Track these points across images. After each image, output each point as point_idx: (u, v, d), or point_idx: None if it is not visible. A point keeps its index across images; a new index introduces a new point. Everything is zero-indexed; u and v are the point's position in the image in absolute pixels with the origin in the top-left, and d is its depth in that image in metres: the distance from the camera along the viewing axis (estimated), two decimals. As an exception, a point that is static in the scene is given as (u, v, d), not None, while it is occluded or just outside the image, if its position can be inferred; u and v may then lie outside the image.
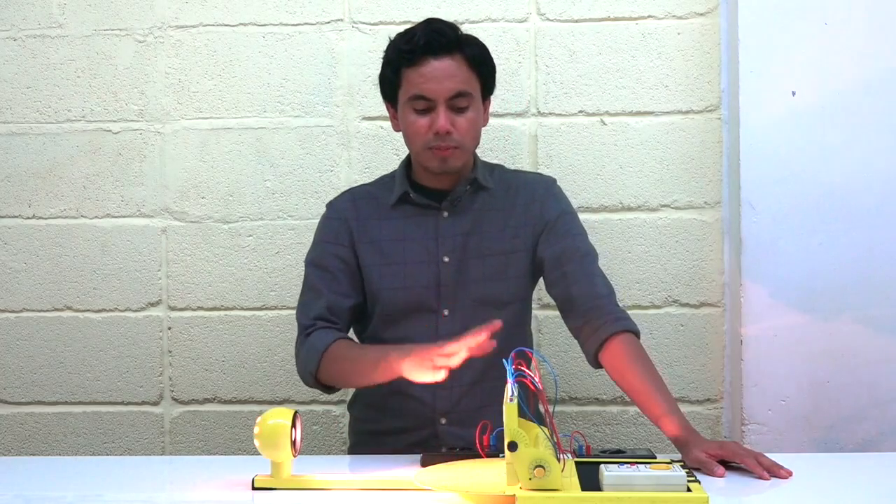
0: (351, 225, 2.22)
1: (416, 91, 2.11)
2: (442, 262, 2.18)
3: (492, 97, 2.24)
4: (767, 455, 1.85)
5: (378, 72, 2.19)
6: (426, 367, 1.87)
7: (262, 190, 2.68)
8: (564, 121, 2.64)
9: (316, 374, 2.14)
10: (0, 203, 2.71)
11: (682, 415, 1.97)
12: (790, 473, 1.81)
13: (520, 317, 2.25)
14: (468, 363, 2.11)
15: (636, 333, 2.10)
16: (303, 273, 2.27)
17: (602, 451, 1.84)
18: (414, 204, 2.21)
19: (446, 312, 2.17)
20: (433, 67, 2.10)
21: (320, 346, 2.13)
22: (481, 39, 2.19)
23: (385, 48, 2.19)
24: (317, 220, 2.30)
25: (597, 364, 2.13)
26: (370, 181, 2.35)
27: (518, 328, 2.24)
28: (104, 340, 2.70)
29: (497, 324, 1.83)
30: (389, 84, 2.17)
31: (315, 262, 2.24)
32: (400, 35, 2.17)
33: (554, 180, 2.30)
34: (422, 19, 2.18)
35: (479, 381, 2.16)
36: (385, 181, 2.29)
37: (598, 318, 2.10)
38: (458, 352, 1.83)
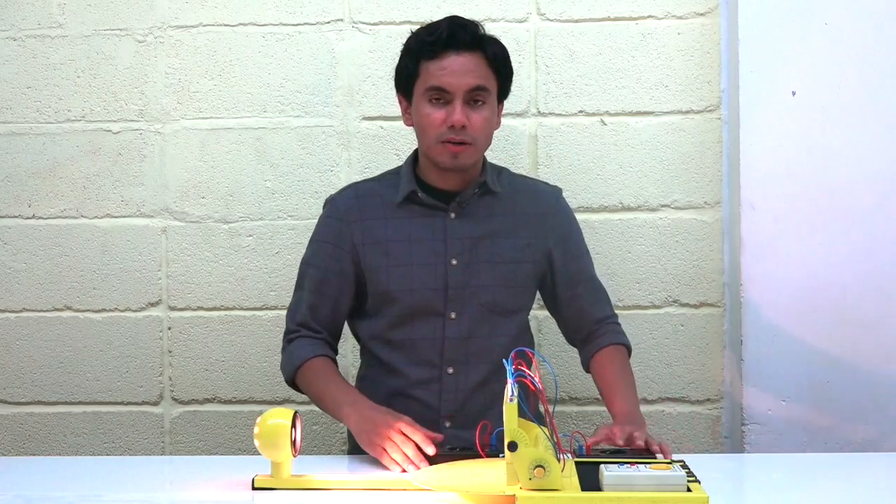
0: (352, 227, 2.19)
1: (435, 83, 2.09)
2: (450, 265, 2.16)
3: (504, 102, 2.23)
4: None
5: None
6: (374, 447, 1.92)
7: (262, 190, 2.67)
8: (564, 121, 2.63)
9: (293, 382, 2.21)
10: (0, 203, 2.71)
11: (635, 406, 2.06)
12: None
13: (524, 323, 2.27)
14: (474, 366, 2.14)
15: (627, 347, 2.23)
16: (302, 273, 2.27)
17: (602, 451, 1.84)
18: (421, 204, 2.18)
19: (453, 315, 2.17)
20: (454, 61, 2.09)
21: (296, 359, 2.18)
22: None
23: (405, 40, 2.17)
24: (316, 220, 2.29)
25: (589, 369, 2.25)
26: (373, 176, 2.32)
27: (523, 334, 2.25)
28: (104, 340, 2.70)
29: (439, 436, 1.91)
30: (407, 75, 2.15)
31: (309, 262, 2.23)
32: (423, 28, 2.16)
33: (560, 190, 2.30)
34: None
35: (483, 383, 2.16)
36: (389, 178, 2.25)
37: (600, 333, 2.23)
38: (403, 445, 1.88)
